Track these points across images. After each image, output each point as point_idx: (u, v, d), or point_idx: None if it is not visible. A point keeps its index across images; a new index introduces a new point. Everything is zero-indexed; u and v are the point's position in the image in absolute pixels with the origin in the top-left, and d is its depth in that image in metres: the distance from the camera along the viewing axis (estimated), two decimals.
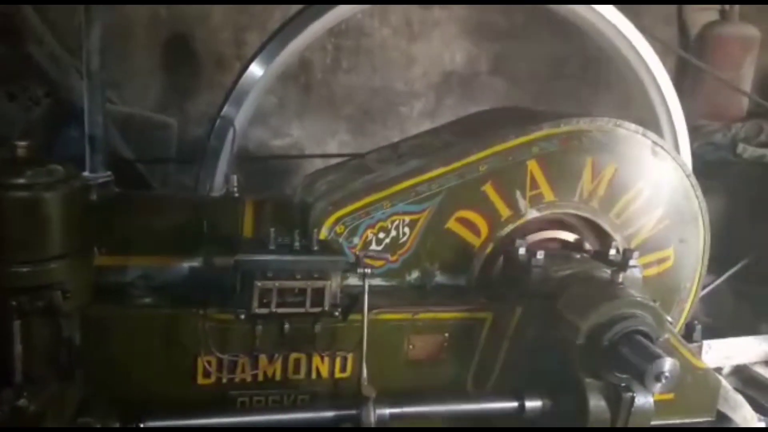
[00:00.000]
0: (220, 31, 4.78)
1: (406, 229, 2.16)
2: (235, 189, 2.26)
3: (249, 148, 4.75)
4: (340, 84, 5.09)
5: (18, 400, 1.43)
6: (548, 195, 2.24)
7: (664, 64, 3.92)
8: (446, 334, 2.09)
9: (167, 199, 2.39)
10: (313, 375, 2.02)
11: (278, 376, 1.99)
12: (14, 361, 1.48)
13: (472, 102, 5.07)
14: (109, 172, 1.84)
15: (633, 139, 2.30)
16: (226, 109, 3.19)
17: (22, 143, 1.50)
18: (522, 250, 2.12)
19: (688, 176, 2.40)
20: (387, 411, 1.87)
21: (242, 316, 1.84)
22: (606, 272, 2.04)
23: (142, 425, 1.71)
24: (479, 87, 5.33)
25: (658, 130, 3.73)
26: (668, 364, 1.74)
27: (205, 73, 4.72)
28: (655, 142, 2.33)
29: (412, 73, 5.23)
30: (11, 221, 1.43)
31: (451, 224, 2.18)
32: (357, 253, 2.04)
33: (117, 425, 1.69)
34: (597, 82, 5.46)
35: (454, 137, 2.38)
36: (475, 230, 2.19)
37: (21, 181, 1.44)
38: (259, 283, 1.79)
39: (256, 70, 3.35)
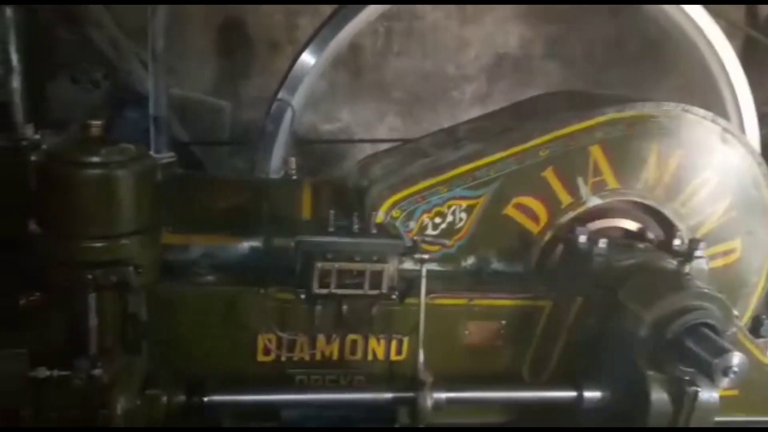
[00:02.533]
0: (272, 14, 4.80)
1: (463, 215, 2.14)
2: (294, 171, 2.29)
3: (299, 132, 4.78)
4: (391, 68, 5.06)
5: (93, 369, 1.50)
6: (611, 182, 2.18)
7: (731, 46, 3.75)
8: (503, 321, 2.07)
9: (228, 180, 2.44)
10: (369, 356, 2.03)
11: (335, 357, 2.01)
12: (89, 333, 1.54)
13: (525, 86, 4.96)
14: (172, 153, 1.88)
15: (701, 125, 2.21)
16: (281, 94, 3.22)
17: (96, 122, 1.55)
18: (583, 238, 2.08)
19: (759, 165, 2.30)
20: (443, 395, 1.87)
21: (302, 296, 1.87)
22: (671, 263, 1.98)
23: (205, 399, 1.76)
24: (533, 71, 5.21)
25: (724, 117, 3.57)
26: (737, 358, 1.69)
27: (258, 57, 4.77)
28: (725, 129, 2.23)
29: (464, 56, 5.15)
30: (86, 198, 1.49)
31: (509, 210, 2.15)
32: (414, 237, 2.03)
33: (183, 398, 1.75)
34: (656, 65, 5.26)
35: (513, 121, 2.34)
36: (534, 217, 2.16)
37: (95, 159, 1.49)
38: (319, 264, 1.81)
39: (309, 55, 3.36)
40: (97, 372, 1.50)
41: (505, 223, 2.15)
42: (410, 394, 1.86)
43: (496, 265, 2.19)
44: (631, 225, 2.26)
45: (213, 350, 1.95)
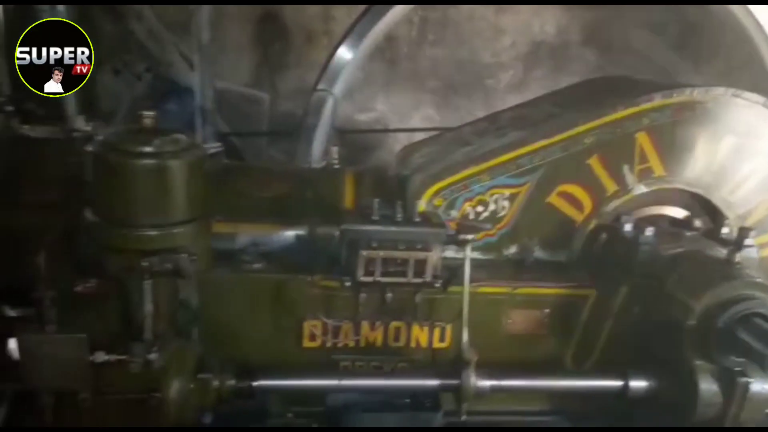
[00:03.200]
0: (308, 6, 4.82)
1: (505, 203, 2.13)
2: (336, 161, 2.31)
3: (335, 122, 4.82)
4: (426, 57, 5.03)
5: (149, 354, 1.55)
6: (658, 169, 2.14)
7: None
8: (546, 310, 2.06)
9: (273, 170, 2.47)
10: (413, 343, 2.05)
11: (379, 343, 2.03)
12: (144, 319, 1.59)
13: (562, 74, 4.89)
14: (219, 144, 1.91)
15: (753, 110, 2.15)
16: (321, 85, 3.24)
17: (149, 113, 1.59)
18: (628, 227, 2.04)
19: None
20: (488, 383, 1.88)
21: (347, 284, 1.89)
22: (720, 252, 1.94)
23: (254, 383, 1.80)
24: (570, 58, 5.12)
25: None
26: None
27: (295, 48, 4.80)
28: None
29: (499, 44, 5.10)
30: (140, 187, 1.53)
31: (553, 198, 2.13)
32: (456, 225, 2.03)
33: (233, 382, 1.79)
34: (698, 51, 5.12)
35: (557, 108, 2.31)
36: (578, 205, 2.14)
37: (149, 149, 1.53)
38: (364, 253, 1.83)
39: (347, 47, 3.38)
40: (152, 356, 1.55)
41: (549, 212, 2.13)
42: (455, 381, 1.87)
43: (539, 253, 2.18)
44: (678, 213, 2.22)
45: (260, 336, 1.99)
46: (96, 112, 2.17)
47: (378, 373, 2.02)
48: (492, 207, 2.13)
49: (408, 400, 2.01)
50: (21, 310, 1.82)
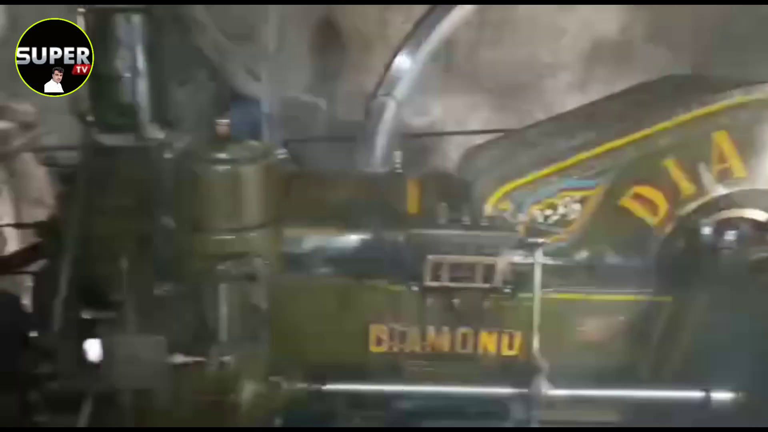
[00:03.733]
0: (365, 12, 4.86)
1: (576, 206, 2.07)
2: (399, 165, 2.30)
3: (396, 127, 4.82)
4: (483, 59, 4.99)
5: (224, 356, 1.58)
6: (738, 170, 2.03)
7: None
8: (620, 317, 1.99)
9: (338, 175, 2.48)
10: (480, 350, 2.02)
11: (446, 349, 2.01)
12: (219, 321, 1.63)
13: (625, 72, 4.73)
14: (285, 150, 1.94)
15: None
16: (381, 91, 3.25)
17: (224, 121, 1.62)
18: (707, 230, 1.95)
19: None
20: (560, 392, 1.83)
21: (414, 289, 1.87)
22: None
23: (324, 387, 1.81)
24: (634, 56, 4.97)
25: None
26: None
27: (352, 53, 4.84)
28: None
29: (559, 43, 5.00)
30: (216, 193, 1.56)
31: (626, 201, 2.05)
32: (527, 229, 1.99)
33: (302, 385, 1.80)
34: None
35: (628, 108, 2.24)
36: (653, 208, 2.05)
37: (223, 156, 1.57)
38: (431, 257, 1.81)
39: (406, 53, 3.38)
40: (227, 359, 1.58)
41: (622, 215, 2.05)
42: (525, 390, 1.82)
43: (612, 258, 2.11)
44: (761, 216, 2.10)
45: (326, 340, 2.00)
46: (159, 121, 2.23)
47: (445, 379, 1.99)
48: (562, 210, 2.07)
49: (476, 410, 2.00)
50: (100, 312, 1.91)
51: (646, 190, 2.04)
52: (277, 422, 1.85)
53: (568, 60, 5.07)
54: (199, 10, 4.52)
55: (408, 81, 3.24)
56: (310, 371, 1.87)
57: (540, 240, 1.83)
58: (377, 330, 1.98)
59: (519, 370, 1.92)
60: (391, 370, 2.00)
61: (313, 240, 2.07)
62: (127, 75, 2.06)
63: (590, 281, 2.03)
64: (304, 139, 4.21)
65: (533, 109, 4.93)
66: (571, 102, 2.84)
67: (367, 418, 2.05)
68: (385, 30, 4.73)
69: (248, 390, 1.71)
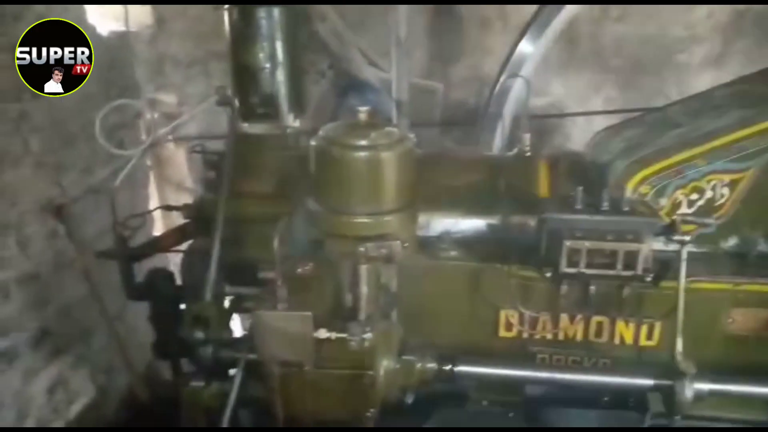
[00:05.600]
0: None
1: (725, 190, 1.93)
2: (528, 148, 2.26)
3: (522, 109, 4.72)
4: (608, 35, 4.73)
5: (364, 333, 1.65)
6: None
7: None
8: None
9: (464, 158, 2.48)
10: (616, 340, 1.95)
11: (579, 337, 1.96)
12: (359, 300, 1.70)
13: None
14: (413, 135, 1.96)
15: None
16: (505, 74, 3.19)
17: (364, 109, 1.67)
18: None
19: None
20: (706, 387, 1.73)
21: (548, 275, 1.84)
22: None
23: (455, 369, 1.84)
24: None
25: None
26: None
27: (469, 36, 4.77)
28: None
29: (693, 15, 4.63)
30: (356, 178, 1.62)
31: None
32: (670, 215, 1.89)
33: (434, 366, 1.84)
34: None
35: None
36: None
37: (364, 142, 1.62)
38: (568, 243, 1.77)
39: (530, 35, 3.28)
40: (368, 335, 1.64)
41: None
42: (668, 382, 1.74)
43: (763, 246, 1.95)
44: None
45: (455, 322, 2.02)
46: (300, 109, 2.33)
47: (580, 368, 1.95)
48: (709, 195, 1.94)
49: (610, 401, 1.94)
50: (247, 288, 2.05)
51: None
52: (409, 400, 1.90)
53: (703, 33, 4.68)
54: None
55: (533, 62, 3.15)
56: (440, 352, 1.89)
57: (687, 238, 1.73)
58: (507, 315, 1.97)
59: (658, 362, 1.84)
60: (521, 355, 1.99)
61: (440, 223, 2.09)
62: (267, 66, 2.19)
63: (740, 270, 1.90)
64: (428, 124, 4.23)
65: (663, 87, 4.62)
66: (707, 78, 2.63)
67: (494, 402, 2.06)
68: (503, 10, 4.61)
69: (384, 367, 1.77)
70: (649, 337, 1.93)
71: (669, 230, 1.78)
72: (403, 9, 2.14)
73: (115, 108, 2.37)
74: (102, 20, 3.17)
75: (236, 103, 2.18)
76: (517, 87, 3.12)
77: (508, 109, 3.05)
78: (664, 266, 1.81)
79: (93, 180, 2.98)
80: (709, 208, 1.94)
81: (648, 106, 2.82)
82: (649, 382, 1.77)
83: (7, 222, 2.58)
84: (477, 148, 3.24)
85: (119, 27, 3.28)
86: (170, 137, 3.60)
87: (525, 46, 3.21)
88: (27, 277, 2.69)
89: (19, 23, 2.57)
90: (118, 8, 3.18)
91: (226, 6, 2.16)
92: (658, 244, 1.87)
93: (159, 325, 2.31)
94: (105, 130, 2.23)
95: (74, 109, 2.90)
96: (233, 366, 1.93)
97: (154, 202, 4.04)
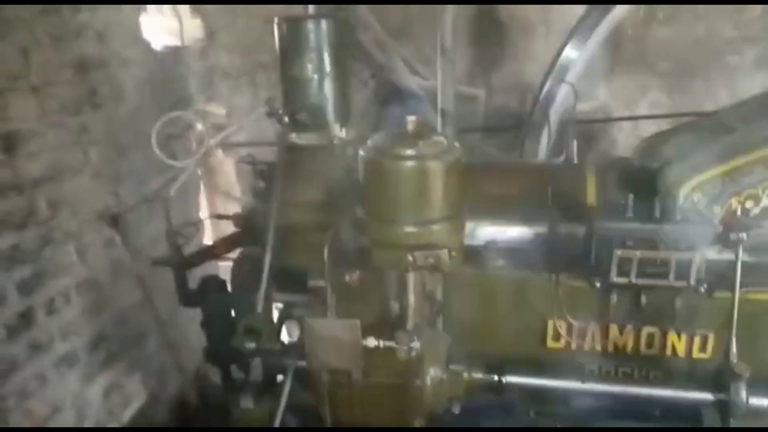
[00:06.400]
0: None
1: None
2: (574, 155, 2.23)
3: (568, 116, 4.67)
4: (655, 37, 4.63)
5: (412, 342, 1.66)
6: None
7: None
8: None
9: (511, 166, 2.47)
10: (668, 351, 1.91)
11: (629, 349, 1.93)
12: (407, 309, 1.71)
13: None
14: (457, 143, 1.97)
15: None
16: (550, 80, 3.17)
17: (412, 118, 1.69)
18: None
19: None
20: (764, 401, 1.67)
21: (597, 284, 1.82)
22: None
23: (504, 379, 1.83)
24: None
25: None
26: None
27: (510, 41, 4.75)
28: None
29: (745, 15, 4.49)
30: (404, 187, 1.64)
31: None
32: (725, 223, 1.84)
33: (481, 376, 1.84)
34: None
35: None
36: None
37: (411, 152, 1.64)
38: (618, 252, 1.74)
39: (575, 41, 3.24)
40: (415, 344, 1.66)
41: None
42: (722, 396, 1.69)
43: None
44: None
45: (502, 332, 2.01)
46: (347, 120, 2.36)
47: (630, 380, 1.92)
48: (765, 202, 1.88)
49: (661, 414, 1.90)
50: (295, 295, 2.09)
51: None
52: (456, 410, 1.90)
53: (756, 33, 4.53)
54: (361, 6, 4.70)
55: (578, 67, 3.11)
56: (487, 362, 1.89)
57: (742, 235, 1.68)
58: (555, 325, 1.96)
59: (712, 374, 1.79)
60: (569, 366, 1.97)
61: (486, 232, 2.09)
62: (315, 77, 2.23)
63: None
64: (472, 130, 4.21)
65: (714, 89, 4.49)
66: (761, 80, 2.55)
67: (541, 413, 2.04)
68: (546, 14, 4.58)
69: (431, 376, 1.78)
70: (703, 349, 1.88)
71: (723, 239, 1.73)
72: (448, 17, 2.16)
73: (168, 120, 2.45)
74: (156, 35, 3.28)
75: (285, 113, 2.23)
76: (563, 93, 3.08)
77: (554, 116, 3.03)
78: (719, 276, 1.77)
79: (147, 190, 3.08)
80: (766, 217, 1.88)
81: (696, 110, 2.75)
82: (703, 395, 1.73)
83: (69, 231, 2.69)
84: (523, 156, 3.21)
85: (173, 41, 3.39)
86: (219, 147, 3.68)
87: (570, 51, 3.17)
88: (86, 284, 2.81)
89: (79, 40, 2.69)
90: (172, 23, 3.28)
91: (276, 19, 2.22)
92: (712, 254, 1.83)
93: (210, 331, 2.37)
94: (159, 142, 2.31)
95: (129, 121, 3.02)
96: (282, 372, 1.97)
97: (204, 211, 4.14)
